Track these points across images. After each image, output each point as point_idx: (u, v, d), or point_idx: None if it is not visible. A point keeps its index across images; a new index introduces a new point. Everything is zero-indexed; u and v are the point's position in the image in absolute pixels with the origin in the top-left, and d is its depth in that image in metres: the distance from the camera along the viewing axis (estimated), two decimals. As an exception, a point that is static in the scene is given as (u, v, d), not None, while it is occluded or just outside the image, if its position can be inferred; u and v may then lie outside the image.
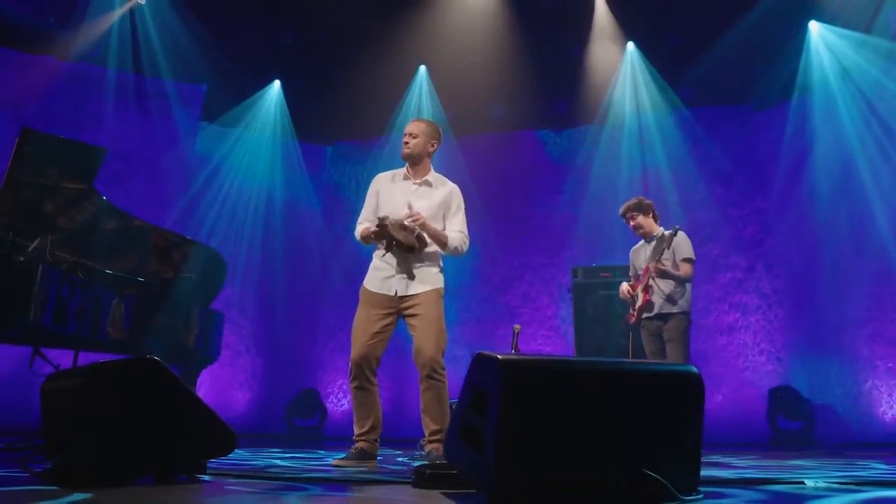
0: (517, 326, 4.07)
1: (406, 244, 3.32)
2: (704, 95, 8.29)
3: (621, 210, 4.81)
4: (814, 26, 7.45)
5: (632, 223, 4.75)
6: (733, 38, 7.42)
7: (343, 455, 3.43)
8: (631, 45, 8.09)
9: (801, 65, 7.64)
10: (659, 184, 8.45)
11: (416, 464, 2.44)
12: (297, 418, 8.34)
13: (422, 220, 3.35)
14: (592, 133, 8.71)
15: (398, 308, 3.45)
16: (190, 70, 7.84)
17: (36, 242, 4.14)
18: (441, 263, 3.58)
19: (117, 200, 7.47)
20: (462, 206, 3.64)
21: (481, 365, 1.88)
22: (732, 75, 7.87)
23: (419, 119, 3.71)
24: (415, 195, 3.53)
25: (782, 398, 7.37)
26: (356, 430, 3.43)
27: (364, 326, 3.43)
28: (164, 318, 4.80)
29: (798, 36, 7.54)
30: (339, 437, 7.52)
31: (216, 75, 8.08)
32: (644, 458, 1.78)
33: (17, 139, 4.04)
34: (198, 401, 2.36)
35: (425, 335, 3.33)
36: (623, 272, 6.31)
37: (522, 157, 9.22)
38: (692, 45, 7.66)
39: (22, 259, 4.01)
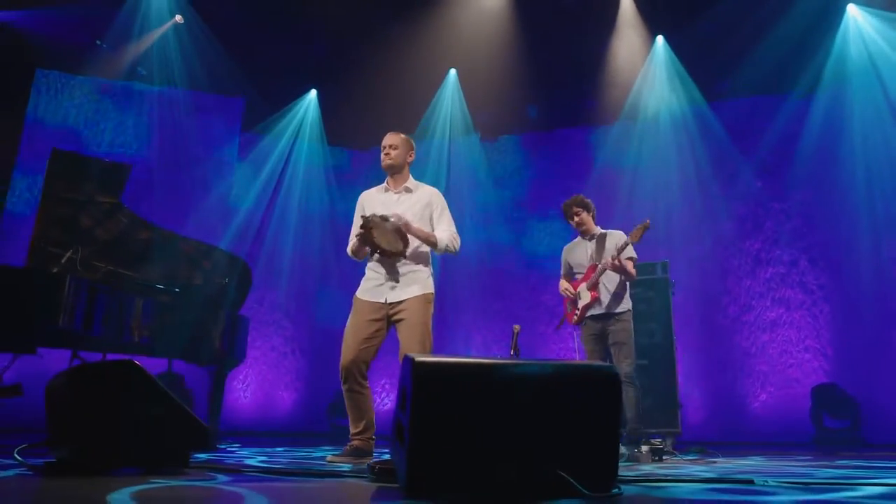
0: (517, 327, 4.11)
1: (390, 250, 3.43)
2: (740, 87, 8.08)
3: (566, 205, 4.71)
4: (852, 10, 7.17)
5: (576, 219, 4.64)
6: (768, 25, 7.22)
7: (338, 451, 3.58)
8: (660, 39, 7.97)
9: (841, 50, 7.38)
10: (696, 178, 8.30)
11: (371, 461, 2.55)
12: (338, 418, 8.57)
13: (405, 222, 3.45)
14: (626, 129, 8.62)
15: (388, 314, 3.56)
16: (229, 83, 8.21)
17: (69, 253, 4.46)
18: (430, 268, 3.67)
19: (164, 210, 7.94)
20: (446, 206, 3.73)
21: (405, 366, 1.97)
22: (769, 64, 7.64)
23: (395, 132, 3.81)
24: (396, 204, 3.65)
25: (827, 396, 7.12)
26: (351, 430, 3.58)
27: (354, 333, 3.57)
28: (193, 323, 5.05)
29: (836, 20, 7.27)
30: (377, 436, 7.72)
31: (254, 87, 8.44)
32: (556, 455, 1.85)
33: (49, 159, 4.37)
34: (174, 400, 2.54)
35: (411, 339, 3.46)
36: (646, 269, 6.24)
37: (558, 156, 9.21)
38: (724, 36, 7.47)
39: (55, 270, 4.34)
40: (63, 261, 4.42)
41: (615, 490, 1.89)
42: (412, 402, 1.82)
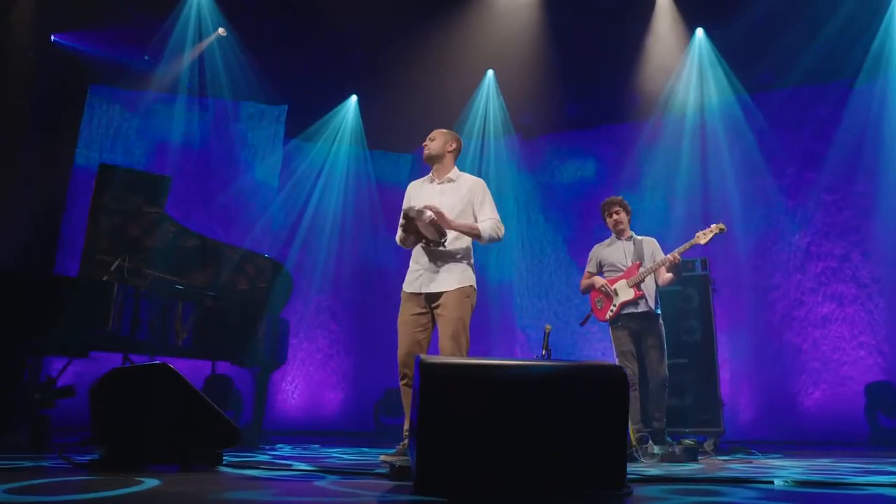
0: (548, 326, 4.13)
1: (431, 238, 3.43)
2: (789, 76, 7.84)
3: (607, 202, 4.82)
4: (902, -8, 6.91)
5: (615, 217, 4.74)
6: (814, 11, 7.01)
7: (392, 451, 3.58)
8: (700, 32, 7.82)
9: (891, 35, 7.11)
10: (744, 171, 8.12)
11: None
12: (384, 417, 8.70)
13: (437, 211, 3.42)
14: (669, 124, 8.49)
15: (429, 305, 3.55)
16: (272, 92, 8.44)
17: (117, 261, 4.68)
18: (471, 261, 3.62)
19: (213, 217, 8.19)
20: (488, 195, 3.68)
21: (418, 368, 2.03)
22: (821, 52, 7.41)
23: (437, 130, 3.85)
24: (440, 194, 3.65)
25: (882, 394, 6.88)
26: (406, 426, 3.54)
27: (404, 326, 3.56)
28: (237, 326, 5.23)
29: (885, 4, 7.00)
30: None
31: (297, 95, 8.65)
32: (563, 453, 1.87)
33: (97, 173, 4.60)
34: (206, 400, 2.66)
35: (446, 335, 3.44)
36: (684, 266, 6.11)
37: (602, 153, 9.14)
38: (769, 23, 7.27)
39: (105, 278, 4.55)
40: (112, 268, 4.63)
41: (625, 489, 1.90)
42: (419, 401, 1.88)
